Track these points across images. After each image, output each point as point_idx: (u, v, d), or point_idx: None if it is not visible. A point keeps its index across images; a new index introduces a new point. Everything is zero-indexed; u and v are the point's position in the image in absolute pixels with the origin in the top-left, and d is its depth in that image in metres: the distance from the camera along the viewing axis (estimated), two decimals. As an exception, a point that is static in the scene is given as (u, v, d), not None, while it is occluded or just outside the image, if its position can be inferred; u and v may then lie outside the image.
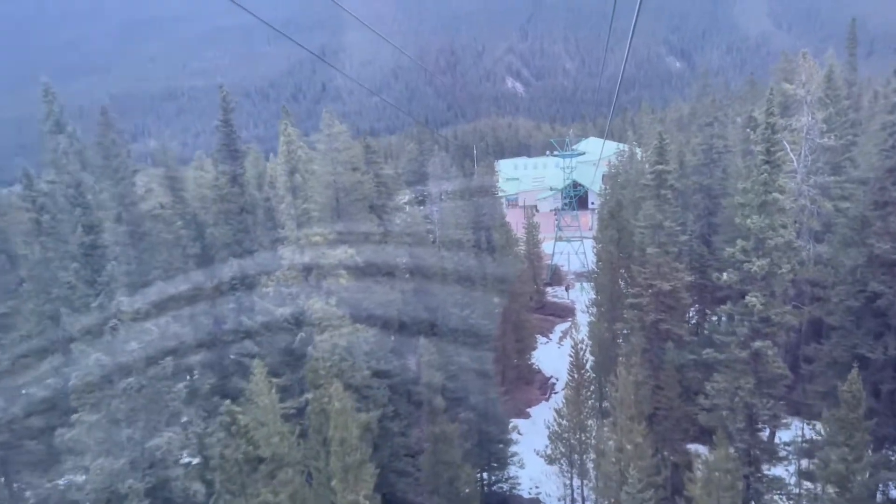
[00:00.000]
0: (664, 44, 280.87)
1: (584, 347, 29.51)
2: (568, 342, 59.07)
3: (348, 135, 38.06)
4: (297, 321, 24.83)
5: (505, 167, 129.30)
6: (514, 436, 41.82)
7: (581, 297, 69.53)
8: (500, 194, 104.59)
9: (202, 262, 36.56)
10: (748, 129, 45.27)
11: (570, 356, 32.77)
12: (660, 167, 31.87)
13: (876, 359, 26.81)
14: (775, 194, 24.47)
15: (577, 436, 29.20)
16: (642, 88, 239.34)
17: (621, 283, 37.92)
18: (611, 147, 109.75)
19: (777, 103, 25.14)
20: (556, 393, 49.64)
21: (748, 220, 25.21)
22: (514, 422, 44.86)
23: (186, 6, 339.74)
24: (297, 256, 24.20)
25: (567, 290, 72.25)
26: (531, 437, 43.03)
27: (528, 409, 47.07)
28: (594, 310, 40.92)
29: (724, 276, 26.69)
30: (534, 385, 50.91)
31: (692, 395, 34.56)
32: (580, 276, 76.74)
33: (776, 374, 25.60)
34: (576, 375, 29.79)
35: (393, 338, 39.94)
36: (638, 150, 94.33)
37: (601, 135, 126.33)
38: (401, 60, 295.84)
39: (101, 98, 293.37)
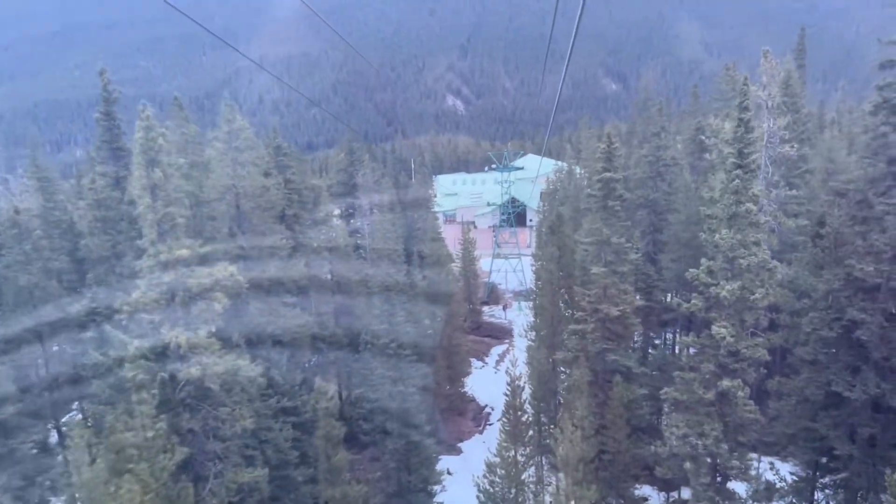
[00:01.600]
0: (601, 66, 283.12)
1: (521, 385, 24.67)
2: (505, 366, 54.47)
3: (252, 132, 32.56)
4: (160, 357, 19.11)
5: (443, 182, 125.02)
6: (444, 476, 36.92)
7: (519, 317, 65.17)
8: (438, 209, 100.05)
9: (71, 279, 30.32)
10: (701, 137, 41.79)
11: (506, 393, 27.92)
12: (607, 175, 27.47)
13: (854, 398, 22.75)
14: (748, 205, 20.21)
15: (513, 494, 24.24)
16: (579, 109, 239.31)
17: (562, 305, 33.35)
18: (549, 164, 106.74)
19: (748, 96, 20.96)
20: (490, 425, 44.68)
21: (716, 236, 20.89)
22: (444, 460, 39.77)
23: (120, 14, 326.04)
24: (158, 274, 18.55)
25: (504, 309, 67.80)
26: (462, 477, 37.87)
27: (460, 444, 41.94)
28: (533, 334, 36.26)
29: (687, 302, 22.24)
30: (467, 415, 45.86)
31: (641, 433, 30.22)
32: (518, 295, 72.46)
33: (747, 419, 21.24)
34: (511, 418, 24.86)
35: (305, 366, 34.35)
36: (577, 168, 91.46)
37: (539, 152, 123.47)
38: (340, 75, 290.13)
39: (26, 104, 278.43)
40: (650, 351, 43.19)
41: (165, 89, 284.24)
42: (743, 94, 20.51)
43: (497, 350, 58.03)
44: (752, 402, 21.14)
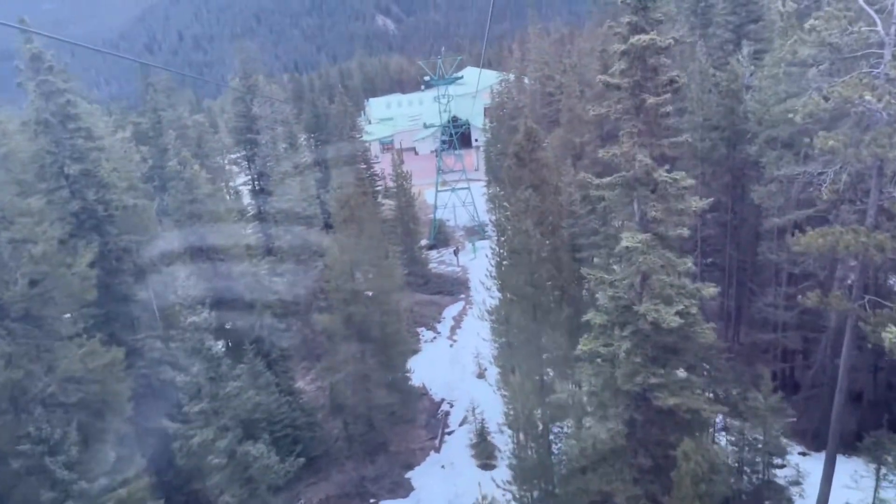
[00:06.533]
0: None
1: None
2: (462, 335, 40.48)
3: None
4: None
5: (376, 106, 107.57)
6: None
7: (475, 260, 50.88)
8: (370, 137, 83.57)
9: None
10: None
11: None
12: (643, 39, 12.37)
13: None
14: None
15: None
16: (515, 19, 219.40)
17: (550, 287, 18.81)
18: (491, 76, 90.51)
19: None
20: (450, 433, 30.78)
21: None
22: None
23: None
24: None
25: (456, 253, 53.18)
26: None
27: (408, 475, 27.87)
28: (497, 336, 21.87)
29: None
30: (417, 423, 31.73)
31: None
32: (471, 233, 57.90)
33: None
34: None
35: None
36: (526, 79, 75.87)
37: (477, 64, 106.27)
38: (264, 1, 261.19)
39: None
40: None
41: (75, 33, 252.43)
42: None
43: (451, 311, 43.71)
44: None
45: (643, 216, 13.68)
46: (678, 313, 13.13)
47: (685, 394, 14.14)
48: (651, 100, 12.71)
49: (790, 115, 20.84)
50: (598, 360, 14.47)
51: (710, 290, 13.70)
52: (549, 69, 60.34)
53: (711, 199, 13.64)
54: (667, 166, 13.35)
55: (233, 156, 55.87)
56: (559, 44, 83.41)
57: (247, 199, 52.12)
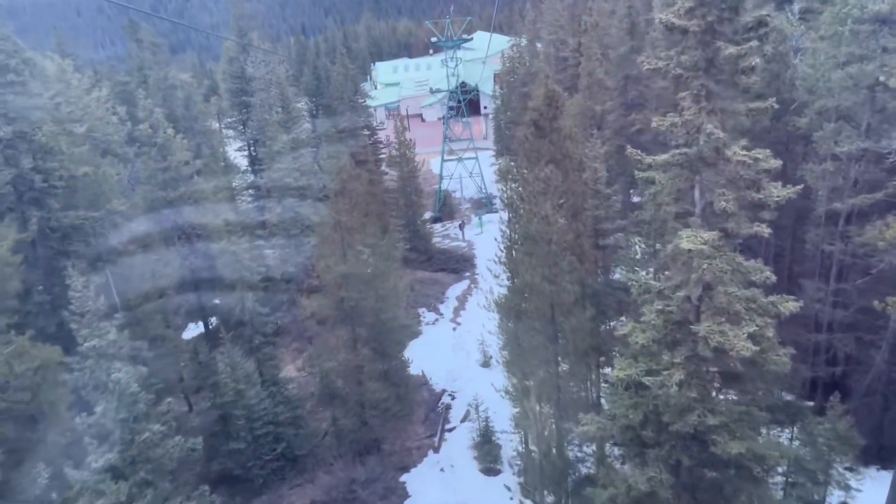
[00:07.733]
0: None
1: None
2: (466, 318, 37.29)
3: None
4: None
5: (383, 71, 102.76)
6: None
7: (481, 235, 47.55)
8: (375, 103, 79.30)
9: None
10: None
11: None
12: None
13: None
14: None
15: None
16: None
17: (568, 279, 15.42)
18: (501, 41, 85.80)
19: None
20: (451, 430, 27.73)
21: None
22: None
23: None
24: None
25: (462, 227, 49.64)
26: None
27: (403, 478, 24.86)
28: (505, 333, 18.58)
29: None
30: (415, 416, 28.67)
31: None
32: (477, 205, 54.33)
33: None
34: None
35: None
36: (539, 43, 71.13)
37: (488, 29, 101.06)
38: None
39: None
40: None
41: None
42: None
43: (455, 291, 40.36)
44: None
45: (707, 207, 10.24)
46: (751, 337, 9.76)
47: (749, 435, 10.84)
48: (728, 49, 9.17)
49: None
50: (639, 390, 11.17)
51: (790, 304, 10.29)
52: (563, 33, 56.06)
53: (801, 187, 10.20)
54: (742, 141, 9.89)
55: (229, 119, 52.34)
56: (574, 6, 78.86)
57: (242, 167, 48.78)
